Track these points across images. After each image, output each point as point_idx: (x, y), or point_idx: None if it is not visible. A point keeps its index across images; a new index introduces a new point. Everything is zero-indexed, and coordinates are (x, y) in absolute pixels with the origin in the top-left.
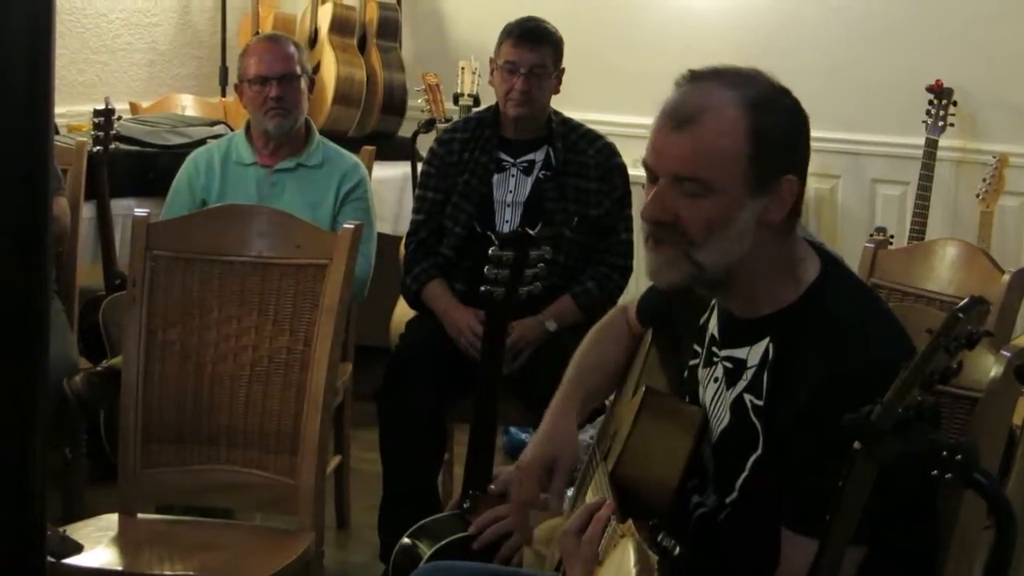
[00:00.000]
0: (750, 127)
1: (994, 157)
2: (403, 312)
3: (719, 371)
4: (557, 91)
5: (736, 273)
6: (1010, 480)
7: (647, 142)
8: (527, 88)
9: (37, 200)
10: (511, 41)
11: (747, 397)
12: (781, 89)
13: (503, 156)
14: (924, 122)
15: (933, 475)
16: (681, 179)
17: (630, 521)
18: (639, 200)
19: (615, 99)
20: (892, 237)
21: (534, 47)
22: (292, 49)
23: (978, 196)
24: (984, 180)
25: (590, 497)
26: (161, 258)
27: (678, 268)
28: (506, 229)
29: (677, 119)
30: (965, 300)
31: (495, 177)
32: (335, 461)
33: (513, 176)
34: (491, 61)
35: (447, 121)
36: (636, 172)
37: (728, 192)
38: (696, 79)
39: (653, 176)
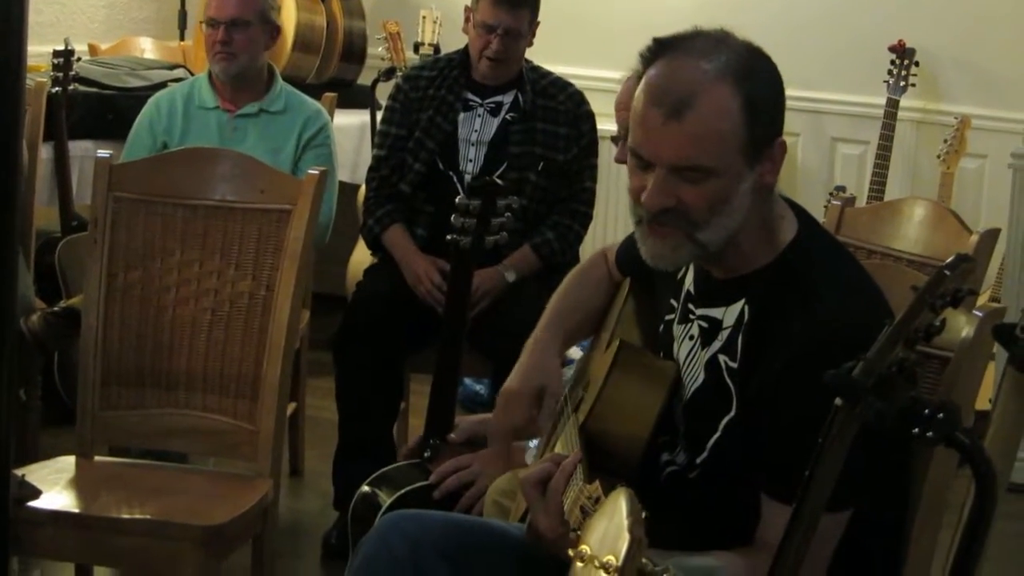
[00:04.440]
0: (743, 102)
1: (956, 118)
2: (360, 259)
3: (695, 329)
4: (531, 44)
5: (731, 241)
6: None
7: (634, 125)
8: (502, 48)
9: (9, 146)
10: (489, 2)
11: (722, 358)
12: (755, 49)
13: (470, 96)
14: (886, 82)
15: (914, 433)
16: (682, 168)
17: (597, 482)
18: (605, 151)
19: (584, 53)
20: (852, 197)
21: (511, 9)
22: None
23: (939, 157)
24: (945, 141)
25: (559, 449)
26: (123, 200)
27: (684, 251)
28: (469, 168)
29: (668, 106)
30: (951, 257)
31: (461, 116)
32: (290, 408)
33: (479, 116)
34: (466, 9)
35: (407, 69)
36: (603, 126)
37: (729, 171)
38: (668, 52)
39: (645, 164)
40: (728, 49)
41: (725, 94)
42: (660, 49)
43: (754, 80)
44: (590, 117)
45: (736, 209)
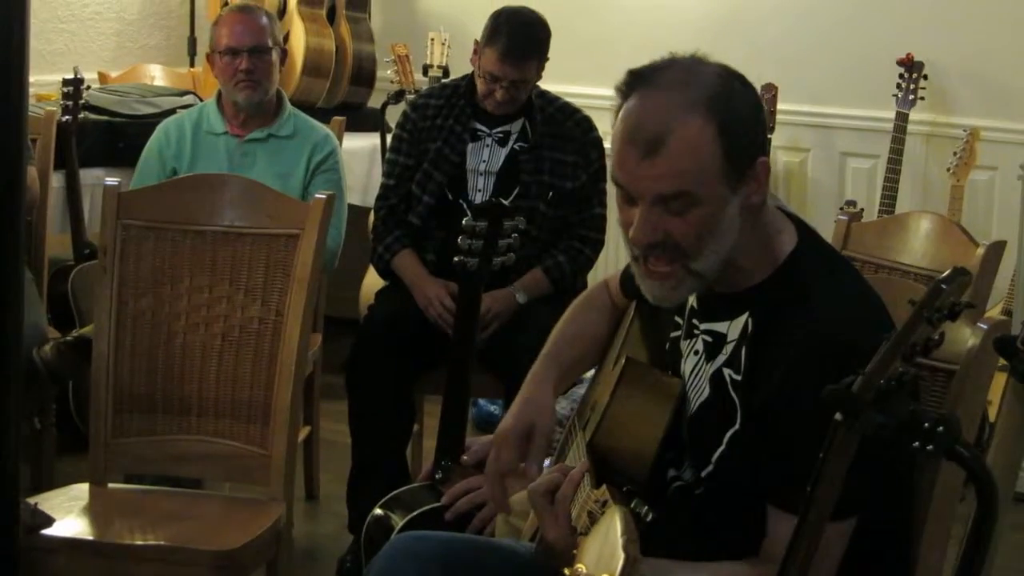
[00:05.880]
0: (717, 130)
1: (965, 131)
2: (372, 283)
3: (699, 344)
4: (539, 79)
5: (726, 262)
6: (987, 456)
7: (613, 161)
8: (508, 97)
9: (11, 172)
10: (495, 54)
11: (726, 371)
12: (727, 73)
13: (478, 126)
14: (895, 96)
15: (914, 447)
16: (664, 199)
17: (604, 486)
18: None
19: (591, 71)
20: (862, 210)
21: (517, 64)
22: (264, 21)
23: (949, 170)
24: (955, 154)
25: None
26: (132, 227)
27: (683, 287)
28: (478, 198)
29: (644, 145)
30: (948, 271)
31: (469, 146)
32: (304, 432)
33: (487, 146)
34: (476, 43)
35: (416, 92)
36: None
37: (712, 197)
38: (641, 86)
39: (629, 197)
40: (700, 77)
41: (698, 125)
42: (634, 82)
43: (728, 105)
44: (598, 144)
45: (725, 233)
